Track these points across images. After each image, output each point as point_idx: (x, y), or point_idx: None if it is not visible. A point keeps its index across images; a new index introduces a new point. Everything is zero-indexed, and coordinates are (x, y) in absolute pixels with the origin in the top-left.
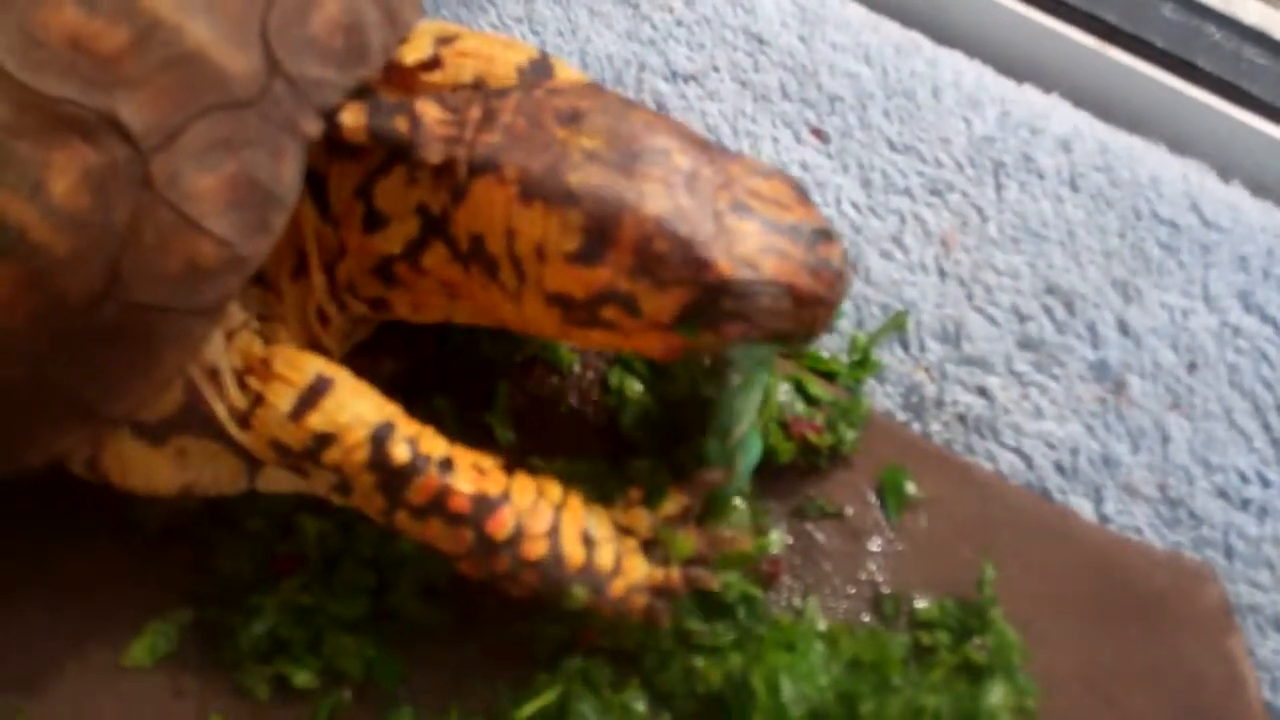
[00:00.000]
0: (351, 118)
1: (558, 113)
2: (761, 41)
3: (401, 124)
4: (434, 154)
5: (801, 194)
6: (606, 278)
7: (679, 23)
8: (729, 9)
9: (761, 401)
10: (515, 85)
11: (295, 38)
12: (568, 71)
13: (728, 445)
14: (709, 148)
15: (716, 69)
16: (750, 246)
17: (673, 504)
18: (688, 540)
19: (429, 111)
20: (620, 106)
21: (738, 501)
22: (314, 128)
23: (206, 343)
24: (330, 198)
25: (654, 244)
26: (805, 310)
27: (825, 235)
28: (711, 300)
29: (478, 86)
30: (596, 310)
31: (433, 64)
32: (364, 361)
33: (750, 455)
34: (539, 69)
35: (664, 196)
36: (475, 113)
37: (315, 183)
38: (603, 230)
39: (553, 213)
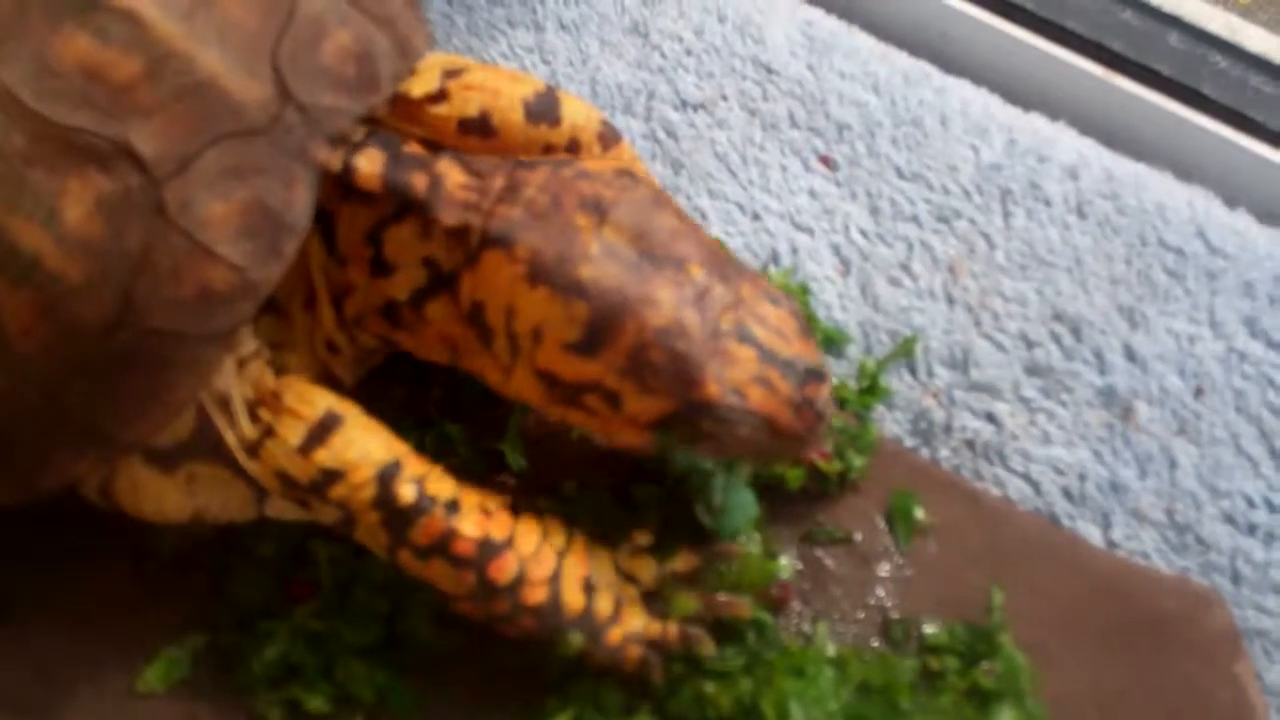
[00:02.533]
0: (367, 164)
1: (582, 198)
2: (770, 70)
3: (419, 181)
4: (450, 217)
5: (804, 326)
6: (596, 372)
7: (688, 52)
8: (738, 38)
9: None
10: (546, 161)
11: (307, 66)
12: (574, 105)
13: (712, 510)
14: (726, 263)
15: (725, 98)
16: (742, 374)
17: (682, 562)
18: (689, 601)
19: (451, 174)
20: (650, 204)
21: (745, 539)
22: (326, 155)
23: (219, 369)
24: (338, 237)
25: (650, 352)
26: (779, 443)
27: (817, 375)
28: (692, 417)
29: (493, 148)
30: (580, 396)
31: (439, 97)
32: (376, 387)
33: (734, 517)
34: (545, 102)
35: (671, 308)
36: (499, 182)
37: (324, 220)
38: (604, 328)
39: (557, 301)
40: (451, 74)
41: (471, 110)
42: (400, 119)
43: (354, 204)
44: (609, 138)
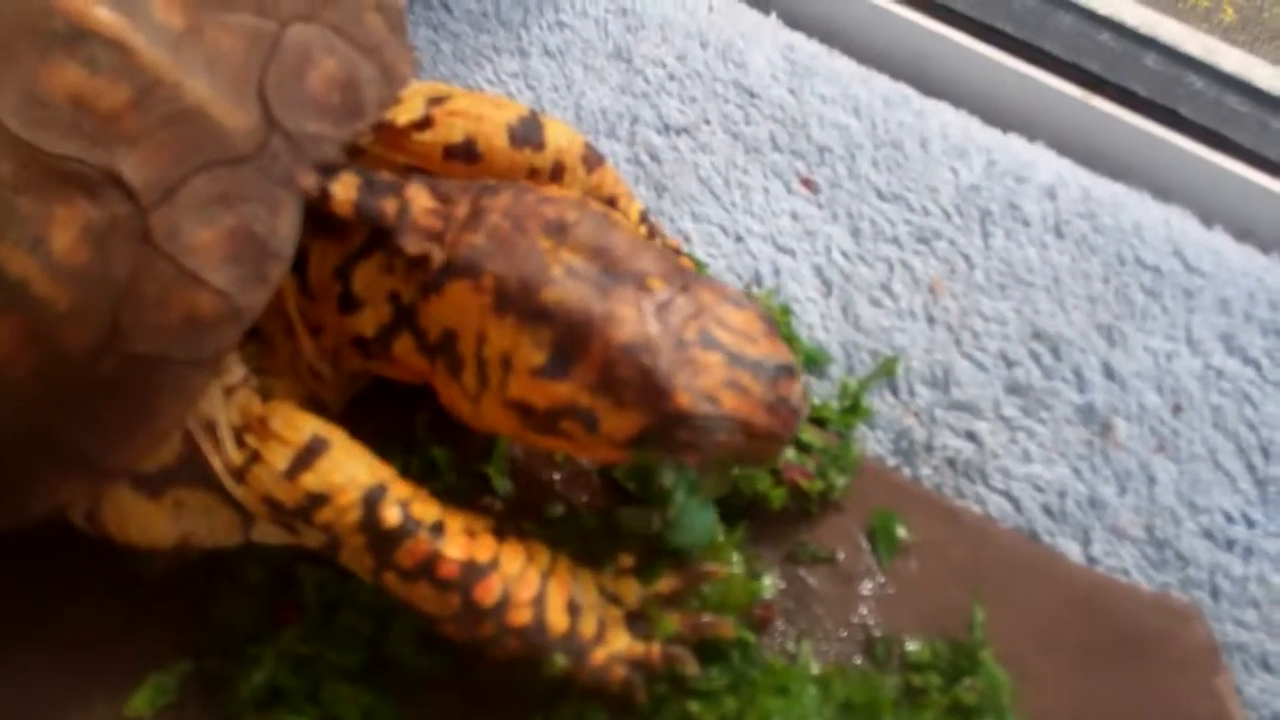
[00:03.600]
0: (342, 190)
1: (545, 222)
2: (752, 94)
3: (389, 206)
4: (412, 244)
5: (770, 326)
6: (568, 393)
7: (671, 77)
8: (720, 63)
9: (710, 489)
10: (509, 186)
11: (292, 94)
12: (558, 129)
13: (665, 523)
14: (684, 274)
15: (708, 121)
16: (712, 380)
17: (665, 583)
18: (673, 621)
19: (418, 199)
20: (606, 223)
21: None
22: (311, 182)
23: (205, 395)
24: (309, 273)
25: (619, 369)
26: (758, 444)
27: (787, 371)
28: (668, 429)
29: (476, 174)
30: (555, 421)
31: (424, 124)
32: (363, 411)
33: (688, 533)
34: (528, 127)
35: (635, 323)
36: (463, 209)
37: (297, 256)
38: (571, 349)
39: (524, 326)
40: (436, 101)
41: (456, 136)
42: (386, 147)
43: (325, 239)
44: (592, 160)
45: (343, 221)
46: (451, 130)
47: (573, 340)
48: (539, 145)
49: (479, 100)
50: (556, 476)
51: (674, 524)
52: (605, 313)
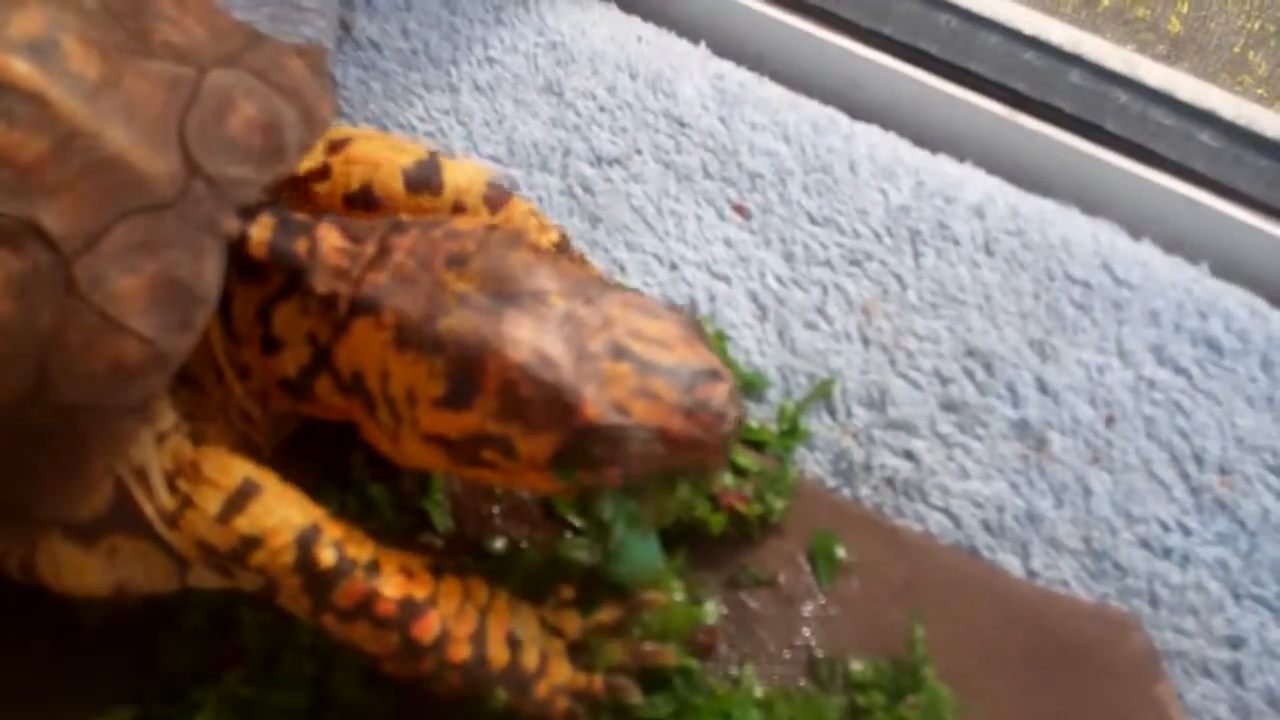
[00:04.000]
0: (259, 231)
1: (449, 256)
2: (682, 124)
3: (302, 246)
4: (321, 284)
5: (691, 333)
6: (475, 422)
7: (602, 109)
8: (650, 94)
9: (650, 519)
10: (418, 222)
11: (213, 139)
12: (457, 170)
13: (608, 557)
14: (590, 287)
15: (640, 152)
16: (621, 390)
17: (606, 614)
18: (615, 651)
19: (329, 238)
20: (504, 247)
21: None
22: (234, 226)
23: (135, 441)
24: (234, 317)
25: (519, 389)
26: (682, 452)
27: (708, 375)
28: (582, 444)
29: (381, 216)
30: (475, 451)
31: (323, 173)
32: (298, 451)
33: (631, 566)
34: (425, 170)
35: (531, 341)
36: (371, 248)
37: (222, 301)
38: (467, 376)
39: (422, 360)
40: (334, 148)
41: (354, 185)
42: (291, 195)
43: (247, 282)
44: (496, 199)
45: (262, 264)
46: (349, 179)
47: (467, 366)
48: (437, 188)
49: (378, 144)
50: (496, 510)
51: (615, 555)
52: (498, 335)
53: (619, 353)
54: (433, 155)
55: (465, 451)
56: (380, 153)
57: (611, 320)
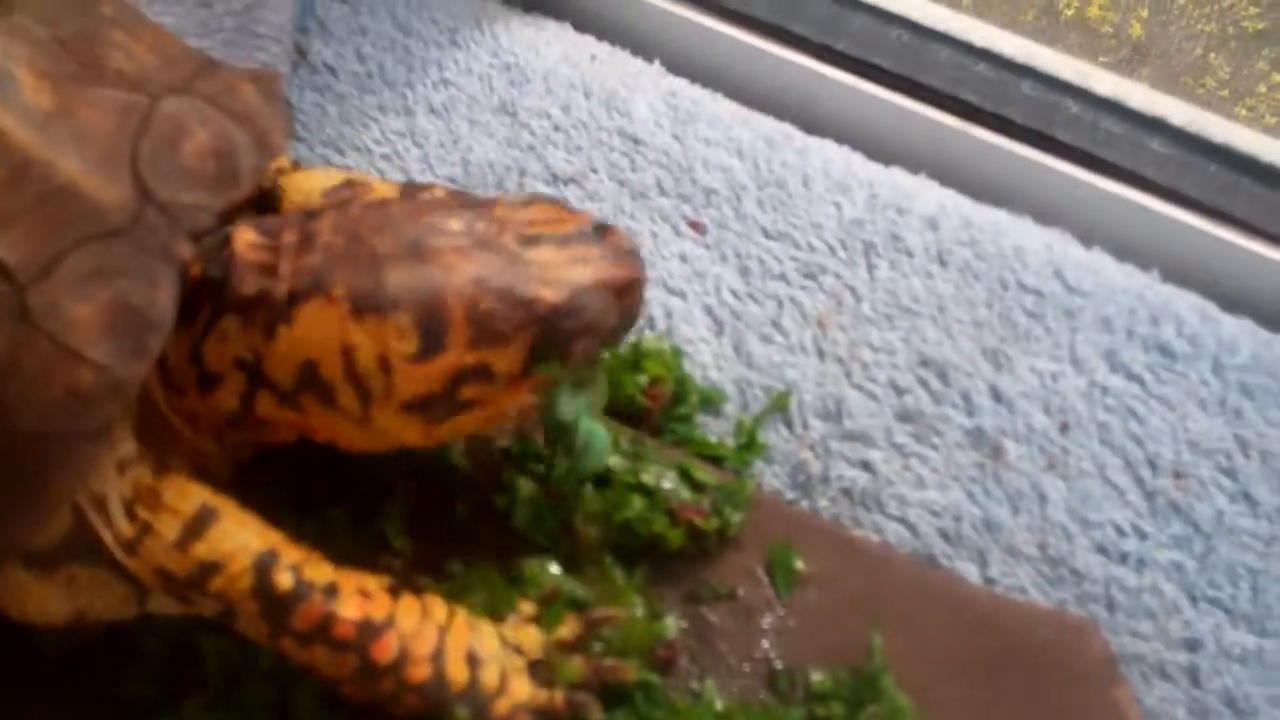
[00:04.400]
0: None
1: (372, 227)
2: (637, 141)
3: (226, 251)
4: (247, 285)
5: (562, 205)
6: (453, 360)
7: (556, 128)
8: (604, 112)
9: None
10: (328, 204)
11: (166, 166)
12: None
13: (573, 453)
14: (467, 201)
15: (595, 170)
16: (557, 269)
17: (566, 630)
18: (575, 667)
19: (243, 237)
20: (381, 209)
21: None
22: (188, 252)
23: (93, 469)
24: (170, 369)
25: (480, 306)
26: (626, 297)
27: (604, 228)
28: (552, 330)
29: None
30: (455, 394)
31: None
32: (257, 476)
33: (593, 455)
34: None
35: (467, 266)
36: (291, 237)
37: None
38: (433, 319)
39: (385, 321)
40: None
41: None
42: None
43: (176, 329)
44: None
45: (189, 303)
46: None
47: (430, 310)
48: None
49: (309, 175)
50: (454, 529)
51: (584, 450)
52: (437, 271)
53: (529, 241)
54: (347, 181)
55: (445, 402)
56: (312, 182)
57: (504, 220)
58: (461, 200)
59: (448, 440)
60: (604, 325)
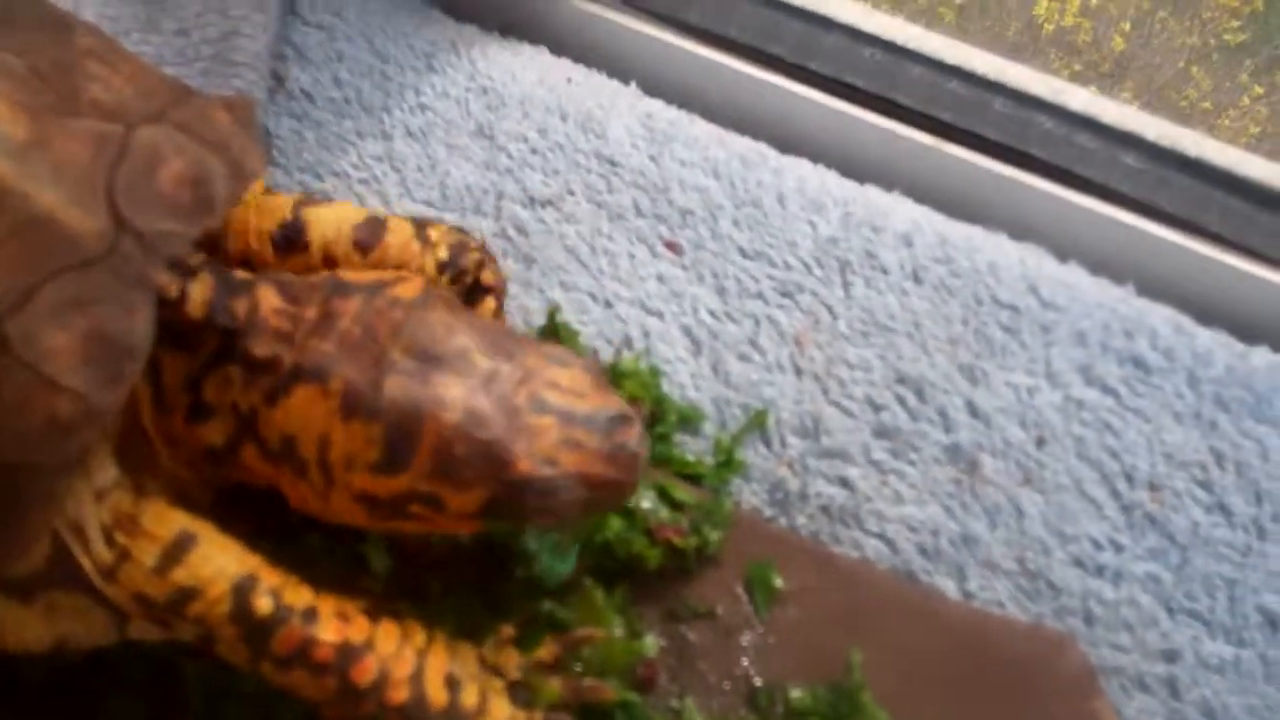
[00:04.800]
0: (199, 290)
1: (393, 326)
2: (613, 163)
3: (241, 307)
4: (260, 347)
5: (599, 378)
6: (410, 482)
7: (533, 151)
8: (581, 135)
9: (568, 541)
10: (361, 287)
11: (142, 195)
12: (323, 223)
13: (528, 562)
14: (507, 341)
15: (572, 192)
16: (548, 442)
17: (546, 651)
18: (554, 687)
19: (267, 299)
20: (422, 309)
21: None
22: (164, 279)
23: (72, 496)
24: (164, 385)
25: (454, 449)
26: (604, 493)
27: (621, 419)
28: (514, 497)
29: (320, 276)
30: (402, 507)
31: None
32: (236, 500)
33: (553, 574)
34: (289, 231)
35: (462, 401)
36: (313, 312)
37: (153, 370)
38: (404, 440)
39: (364, 428)
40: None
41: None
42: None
43: (176, 352)
44: (366, 243)
45: (193, 332)
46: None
47: (404, 431)
48: (304, 248)
49: (245, 210)
50: (434, 552)
51: (541, 575)
52: (431, 398)
53: (540, 405)
54: (298, 214)
55: (392, 508)
56: (249, 219)
57: (530, 373)
58: (499, 337)
59: (386, 532)
60: (568, 512)
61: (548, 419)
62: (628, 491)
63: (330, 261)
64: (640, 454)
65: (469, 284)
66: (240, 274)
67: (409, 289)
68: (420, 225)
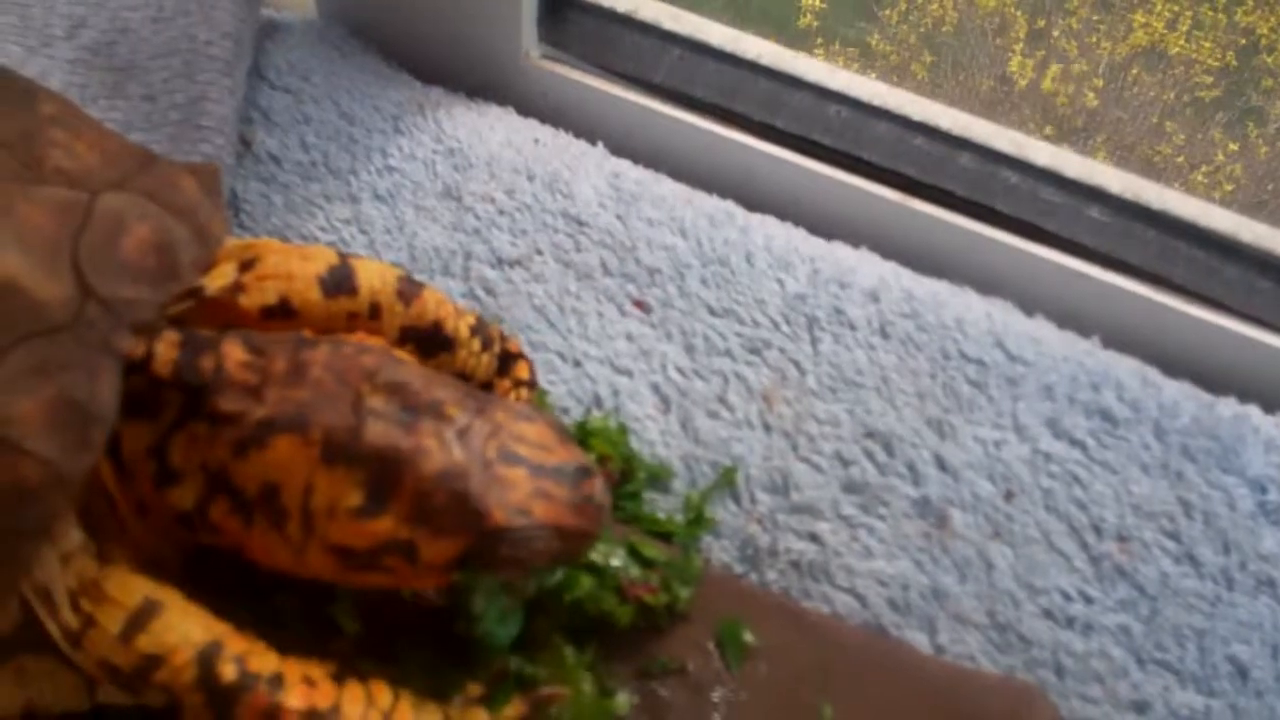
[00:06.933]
0: (165, 350)
1: (364, 371)
2: (581, 223)
3: (208, 363)
4: (228, 401)
5: (562, 433)
6: (387, 529)
7: (501, 211)
8: (548, 195)
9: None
10: (325, 340)
11: (106, 261)
12: (369, 270)
13: (471, 621)
14: (476, 398)
15: (540, 252)
16: (520, 493)
17: (513, 709)
18: None
19: (233, 353)
20: (392, 360)
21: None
22: (130, 345)
23: (39, 562)
24: (124, 454)
25: (432, 498)
26: (571, 543)
27: (585, 472)
28: (488, 547)
29: (284, 333)
30: (377, 559)
31: (236, 289)
32: (204, 565)
33: (494, 639)
34: (338, 275)
35: (440, 451)
36: (281, 364)
37: (112, 442)
38: (385, 486)
39: (346, 472)
40: (247, 265)
41: (271, 298)
42: (203, 315)
43: (136, 420)
44: (409, 293)
45: (154, 397)
46: (265, 294)
47: (386, 477)
48: (352, 291)
49: (287, 256)
50: (403, 612)
51: (483, 638)
52: (412, 446)
53: (511, 458)
54: (344, 259)
55: (367, 559)
56: (292, 264)
57: (499, 427)
58: (470, 394)
59: (354, 586)
60: (538, 560)
61: (519, 471)
62: (591, 543)
63: (375, 310)
64: (605, 506)
65: (498, 352)
66: (205, 331)
67: (368, 338)
68: None
